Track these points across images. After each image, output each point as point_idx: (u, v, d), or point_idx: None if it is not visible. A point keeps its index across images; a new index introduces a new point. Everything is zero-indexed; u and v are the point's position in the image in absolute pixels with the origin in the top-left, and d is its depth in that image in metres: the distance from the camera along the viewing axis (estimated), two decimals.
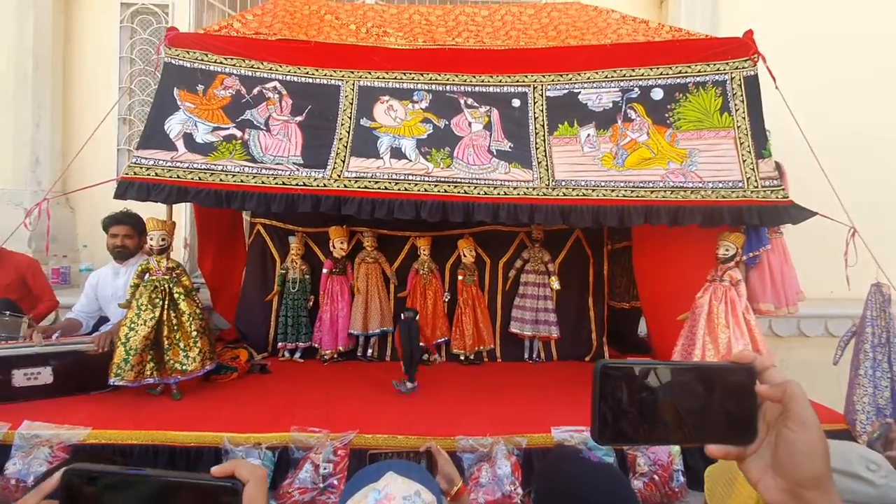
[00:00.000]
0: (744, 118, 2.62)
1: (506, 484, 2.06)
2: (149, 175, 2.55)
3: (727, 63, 2.69)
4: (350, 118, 2.81)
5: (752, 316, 2.54)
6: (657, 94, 2.75)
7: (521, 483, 2.09)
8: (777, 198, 2.47)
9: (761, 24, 2.82)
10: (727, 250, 2.57)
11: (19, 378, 2.39)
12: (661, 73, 2.77)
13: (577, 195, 2.58)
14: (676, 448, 2.19)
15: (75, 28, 4.54)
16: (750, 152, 2.56)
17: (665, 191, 2.55)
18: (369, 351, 3.41)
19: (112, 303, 2.90)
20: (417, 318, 2.82)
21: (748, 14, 2.83)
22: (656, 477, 2.14)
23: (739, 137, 2.60)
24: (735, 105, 2.64)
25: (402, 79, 2.90)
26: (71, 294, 3.53)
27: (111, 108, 3.64)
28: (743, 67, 2.67)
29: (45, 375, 2.42)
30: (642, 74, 2.79)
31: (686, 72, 2.73)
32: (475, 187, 2.61)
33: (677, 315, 2.77)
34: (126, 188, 2.50)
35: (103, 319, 3.10)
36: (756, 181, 2.52)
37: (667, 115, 2.71)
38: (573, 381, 3.00)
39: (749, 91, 2.64)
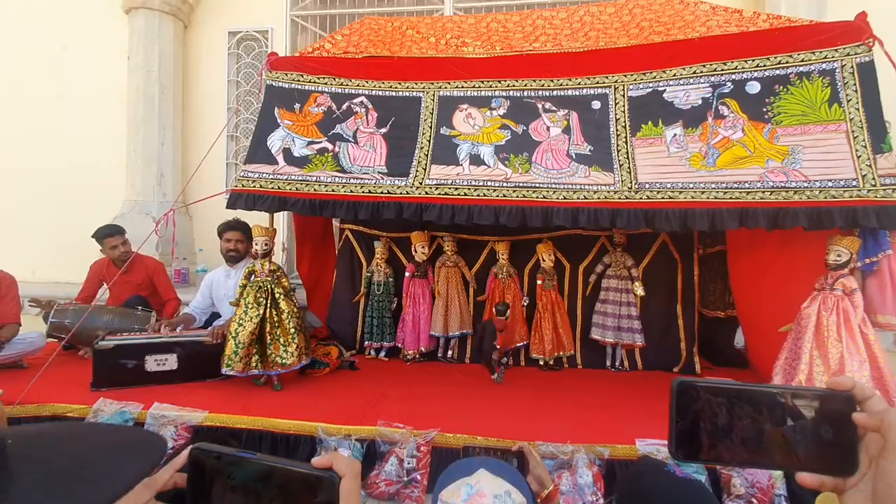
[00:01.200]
0: (857, 109, 2.35)
1: (587, 494, 2.03)
2: (254, 187, 2.84)
3: (836, 50, 2.44)
4: (430, 127, 2.92)
5: (871, 329, 2.27)
6: (753, 88, 2.56)
7: (604, 494, 2.04)
8: None
9: (876, 6, 2.52)
10: (839, 256, 2.33)
11: (151, 364, 2.76)
12: (757, 65, 2.57)
13: (663, 198, 2.48)
14: (778, 472, 2.02)
15: (191, 57, 5.15)
16: (865, 147, 2.29)
17: (763, 191, 2.36)
18: (449, 352, 3.50)
19: (224, 301, 3.26)
20: (502, 315, 2.84)
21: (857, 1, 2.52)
22: (754, 500, 2.00)
23: (853, 131, 2.34)
24: (847, 95, 2.38)
25: (480, 87, 2.96)
26: (189, 292, 4.01)
27: (223, 129, 4.10)
28: (856, 53, 2.40)
29: (171, 362, 2.78)
30: (735, 67, 2.61)
31: (787, 62, 2.52)
32: (554, 192, 2.60)
33: (779, 326, 2.55)
34: (236, 199, 2.81)
35: (215, 315, 3.49)
36: (874, 179, 2.25)
37: (765, 110, 2.51)
38: (659, 392, 2.84)
39: (864, 79, 2.36)
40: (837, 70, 2.42)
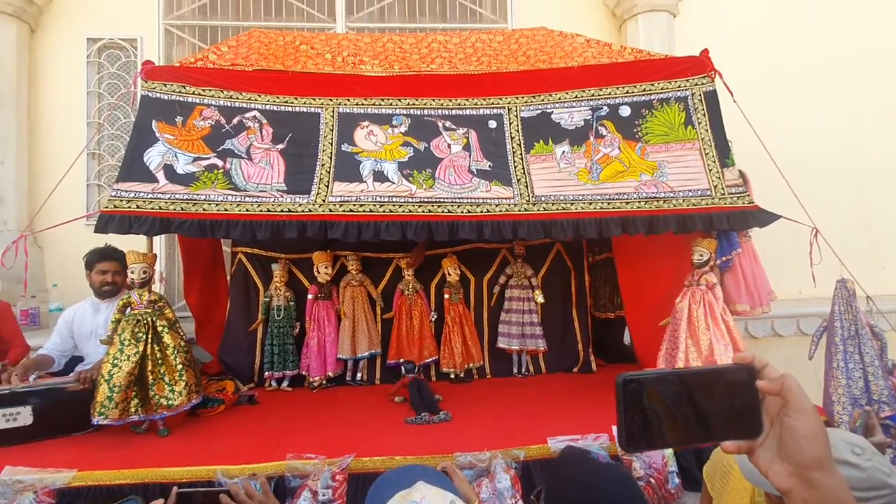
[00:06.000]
0: (706, 130, 2.78)
1: (507, 497, 2.06)
2: (129, 207, 2.52)
3: (687, 80, 2.87)
4: (331, 144, 2.85)
5: (730, 317, 2.65)
6: (625, 111, 2.90)
7: (522, 495, 2.09)
8: (743, 203, 2.62)
9: (712, 45, 3.02)
10: (701, 255, 2.69)
11: None
12: (626, 92, 2.92)
13: (557, 209, 2.67)
14: (670, 451, 2.24)
15: (41, 63, 4.48)
16: (715, 162, 2.72)
17: (640, 201, 2.67)
18: (358, 375, 3.37)
19: (91, 340, 2.81)
20: (411, 372, 2.96)
21: (700, 38, 3.04)
22: (652, 480, 2.18)
23: (704, 148, 2.76)
24: (697, 118, 2.81)
25: (380, 105, 2.97)
26: (41, 335, 3.39)
27: (86, 145, 3.59)
28: (702, 83, 2.85)
29: (24, 416, 2.30)
30: (609, 93, 2.94)
31: (650, 89, 2.90)
32: (458, 206, 2.67)
33: (659, 321, 2.86)
34: (107, 221, 2.46)
35: (76, 360, 2.98)
36: (723, 189, 2.66)
37: (635, 131, 2.85)
38: (563, 392, 3.04)
39: (709, 105, 2.81)
40: (689, 97, 2.84)
